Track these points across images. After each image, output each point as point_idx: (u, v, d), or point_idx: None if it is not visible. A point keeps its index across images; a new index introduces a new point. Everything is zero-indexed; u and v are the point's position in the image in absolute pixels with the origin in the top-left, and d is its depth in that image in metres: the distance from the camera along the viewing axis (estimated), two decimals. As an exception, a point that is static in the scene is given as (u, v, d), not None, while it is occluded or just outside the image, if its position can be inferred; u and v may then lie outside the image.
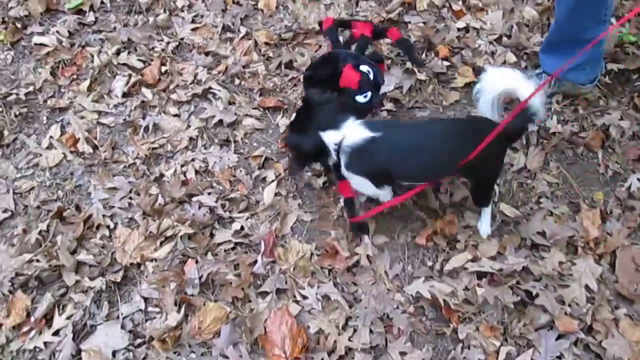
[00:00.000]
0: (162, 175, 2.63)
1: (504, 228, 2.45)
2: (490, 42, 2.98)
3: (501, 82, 2.01)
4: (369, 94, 2.28)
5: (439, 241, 2.42)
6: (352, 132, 2.10)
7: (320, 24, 2.53)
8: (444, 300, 2.22)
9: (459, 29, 3.05)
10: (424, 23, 3.07)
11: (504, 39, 2.99)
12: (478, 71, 2.87)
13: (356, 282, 2.32)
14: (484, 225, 2.43)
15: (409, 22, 3.08)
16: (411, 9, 3.14)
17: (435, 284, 2.28)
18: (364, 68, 2.27)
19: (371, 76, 2.29)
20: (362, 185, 2.24)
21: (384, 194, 2.32)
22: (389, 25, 2.47)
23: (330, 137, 2.12)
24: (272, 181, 2.58)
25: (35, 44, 3.12)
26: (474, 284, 2.28)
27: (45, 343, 2.20)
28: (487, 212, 2.41)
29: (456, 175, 2.42)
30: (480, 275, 2.31)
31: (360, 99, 2.26)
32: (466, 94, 2.86)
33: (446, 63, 2.92)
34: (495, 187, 2.53)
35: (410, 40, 2.91)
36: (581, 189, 2.58)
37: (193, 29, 3.13)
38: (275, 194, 2.55)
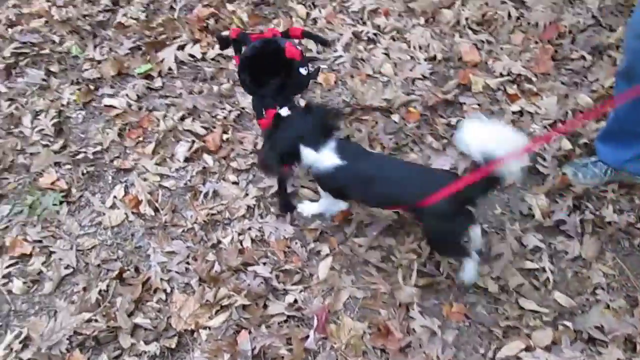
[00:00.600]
0: (219, 241, 2.69)
1: (559, 318, 2.42)
2: (545, 127, 3.02)
3: (478, 139, 1.98)
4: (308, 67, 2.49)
5: (494, 327, 2.40)
6: (325, 158, 2.25)
7: (223, 39, 2.65)
8: (498, 392, 2.19)
9: (513, 113, 3.10)
10: (479, 105, 3.14)
11: (559, 124, 3.03)
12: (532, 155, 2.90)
13: (408, 365, 2.31)
14: (464, 275, 2.45)
15: (464, 103, 3.15)
16: (467, 91, 3.22)
17: (489, 373, 2.26)
18: (299, 47, 2.48)
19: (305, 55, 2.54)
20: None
21: (336, 205, 2.58)
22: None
23: (307, 154, 2.26)
24: (327, 255, 2.61)
25: (105, 106, 3.27)
26: (528, 376, 2.25)
27: (98, 406, 2.23)
28: (467, 262, 2.42)
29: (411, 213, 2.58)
30: (534, 366, 2.28)
31: (303, 71, 2.44)
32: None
33: (501, 146, 2.95)
34: (551, 275, 2.52)
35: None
36: (638, 282, 2.54)
37: (254, 99, 3.25)
38: (330, 269, 2.58)
